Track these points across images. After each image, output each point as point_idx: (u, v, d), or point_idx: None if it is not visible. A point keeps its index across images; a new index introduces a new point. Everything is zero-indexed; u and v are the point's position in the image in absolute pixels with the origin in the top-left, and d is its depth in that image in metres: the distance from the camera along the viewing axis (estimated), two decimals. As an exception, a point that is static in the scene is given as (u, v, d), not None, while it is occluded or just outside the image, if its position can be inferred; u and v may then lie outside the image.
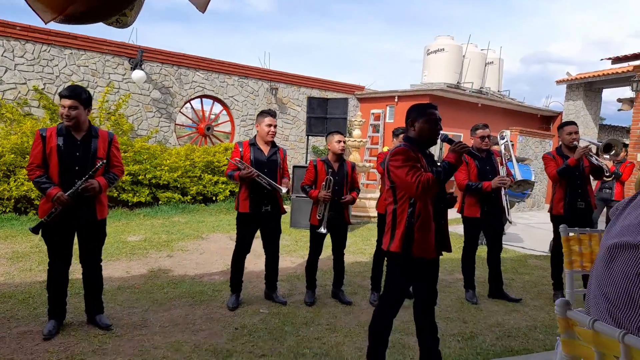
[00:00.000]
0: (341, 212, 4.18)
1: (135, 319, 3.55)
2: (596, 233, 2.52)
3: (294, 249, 6.24)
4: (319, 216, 4.04)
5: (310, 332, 3.46)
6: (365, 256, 6.00)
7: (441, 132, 2.68)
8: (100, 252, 3.37)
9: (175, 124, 10.07)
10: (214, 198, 9.33)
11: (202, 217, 8.24)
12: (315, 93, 11.66)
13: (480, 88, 12.78)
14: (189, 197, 8.93)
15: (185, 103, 10.14)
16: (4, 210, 7.04)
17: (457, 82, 12.13)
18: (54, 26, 7.97)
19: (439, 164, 2.69)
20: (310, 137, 9.42)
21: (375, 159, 8.57)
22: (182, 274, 4.87)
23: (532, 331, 3.73)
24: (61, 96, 3.09)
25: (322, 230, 4.00)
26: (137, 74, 8.92)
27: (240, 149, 3.91)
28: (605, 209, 6.79)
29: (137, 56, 9.05)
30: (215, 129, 10.92)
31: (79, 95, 3.10)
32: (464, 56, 12.54)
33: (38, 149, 3.09)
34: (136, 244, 6.02)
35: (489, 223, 4.44)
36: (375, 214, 5.31)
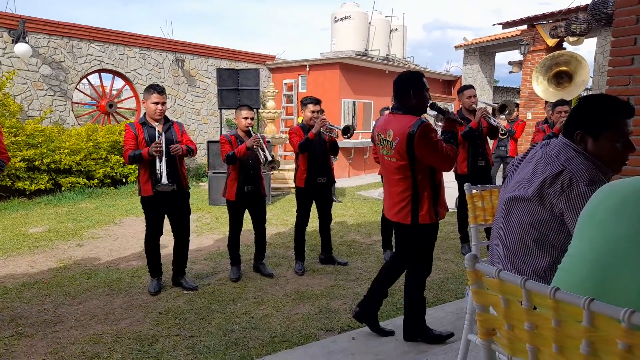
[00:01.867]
0: (258, 185, 4.16)
1: (46, 315, 3.31)
2: (496, 189, 2.75)
3: (215, 227, 6.14)
4: (264, 157, 4.00)
5: (237, 308, 3.47)
6: (287, 227, 6.07)
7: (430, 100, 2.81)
8: None
9: (72, 102, 9.23)
10: (124, 180, 8.80)
11: (113, 200, 7.76)
12: (225, 64, 11.26)
13: (387, 55, 13.13)
14: (96, 180, 8.34)
15: (82, 79, 9.29)
16: None
17: (365, 50, 12.35)
18: None
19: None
20: (223, 111, 9.15)
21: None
22: (95, 262, 4.60)
23: (444, 282, 4.06)
24: None
25: (274, 163, 4.02)
26: (21, 48, 7.95)
27: (133, 130, 3.62)
28: (502, 165, 7.44)
29: (19, 27, 8.06)
30: (118, 105, 10.18)
31: None
32: (369, 23, 12.74)
33: None
34: (39, 235, 5.54)
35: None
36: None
